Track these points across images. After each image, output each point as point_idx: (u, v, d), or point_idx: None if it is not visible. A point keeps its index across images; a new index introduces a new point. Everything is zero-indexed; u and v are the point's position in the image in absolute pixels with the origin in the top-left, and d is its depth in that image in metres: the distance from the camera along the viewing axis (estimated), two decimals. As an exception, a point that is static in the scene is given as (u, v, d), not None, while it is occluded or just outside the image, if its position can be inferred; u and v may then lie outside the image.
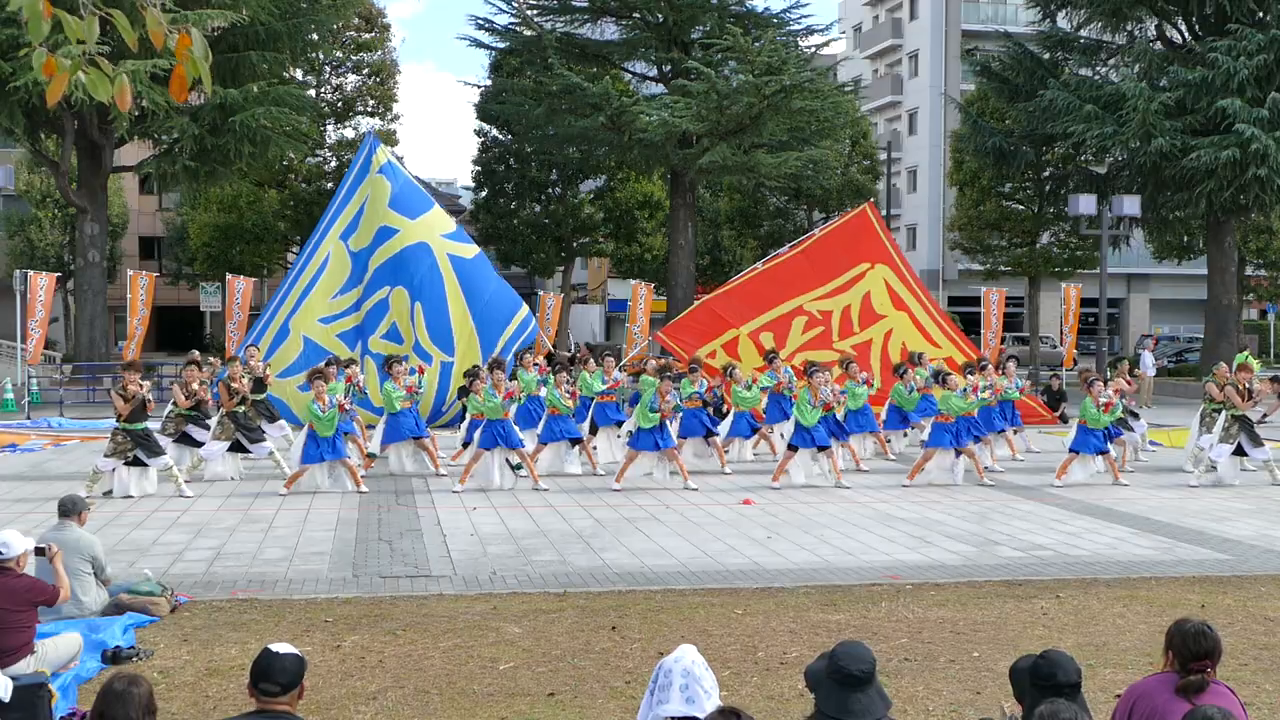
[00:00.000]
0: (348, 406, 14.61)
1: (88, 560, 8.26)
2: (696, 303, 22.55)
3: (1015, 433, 18.65)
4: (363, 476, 14.61)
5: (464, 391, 19.75)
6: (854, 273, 20.99)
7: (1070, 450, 15.69)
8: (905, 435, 18.81)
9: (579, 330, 41.19)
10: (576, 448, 16.07)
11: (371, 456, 16.06)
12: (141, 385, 13.72)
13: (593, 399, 17.47)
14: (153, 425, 14.10)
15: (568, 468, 15.95)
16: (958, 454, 15.28)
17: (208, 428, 15.14)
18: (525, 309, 21.43)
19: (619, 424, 17.60)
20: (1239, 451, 15.68)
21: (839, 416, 15.85)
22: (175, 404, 14.96)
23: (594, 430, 17.51)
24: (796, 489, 14.80)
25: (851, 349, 19.74)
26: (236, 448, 15.14)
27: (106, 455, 13.61)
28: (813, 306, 20.70)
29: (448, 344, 20.12)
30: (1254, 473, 15.99)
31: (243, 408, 15.12)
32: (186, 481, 14.51)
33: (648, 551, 10.88)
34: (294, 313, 20.01)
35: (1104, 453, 15.58)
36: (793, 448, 15.08)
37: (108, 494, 13.59)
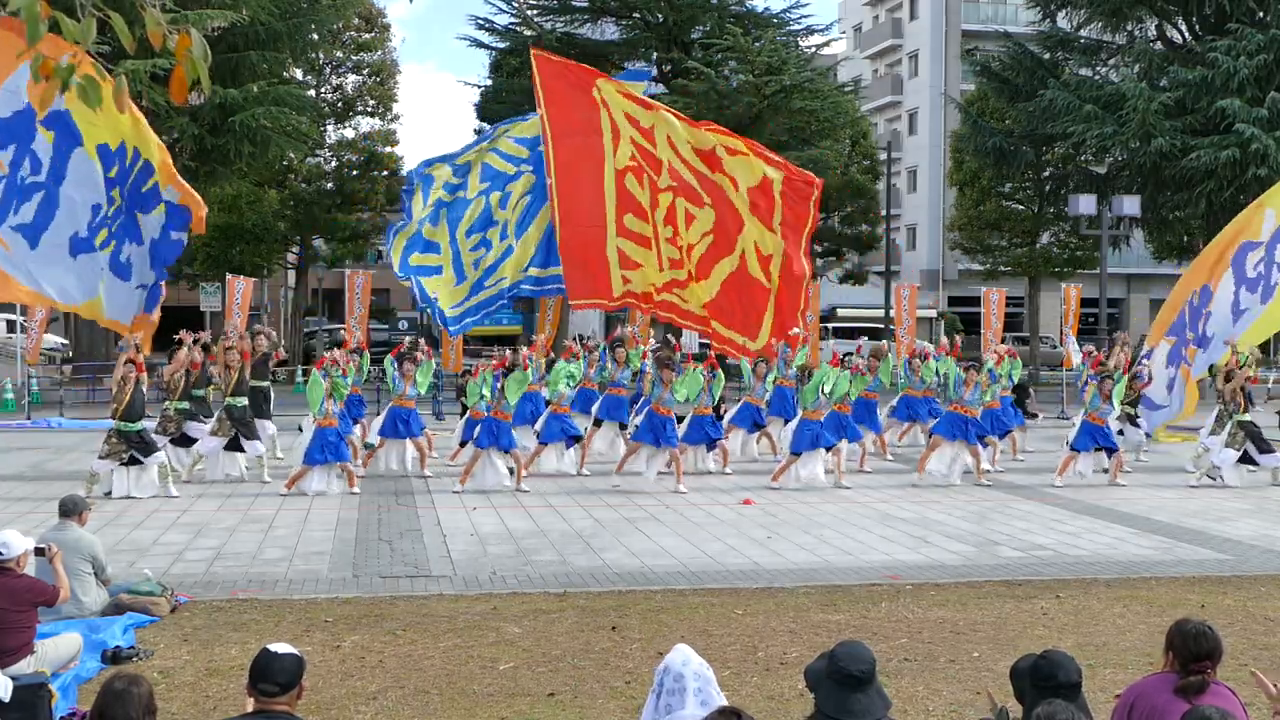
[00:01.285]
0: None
1: (88, 560, 8.26)
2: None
3: (1021, 431, 18.67)
4: (361, 476, 14.61)
5: (461, 390, 19.76)
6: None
7: (1071, 449, 15.69)
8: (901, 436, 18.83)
9: (579, 329, 41.17)
10: (573, 447, 16.07)
11: (369, 447, 16.08)
12: (143, 372, 13.85)
13: (602, 392, 17.53)
14: (149, 424, 14.11)
15: (565, 467, 15.95)
16: (975, 446, 15.38)
17: (205, 424, 15.17)
18: None
19: (623, 425, 17.59)
20: (1246, 460, 15.62)
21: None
22: (170, 400, 14.97)
23: (597, 424, 17.52)
24: (796, 489, 14.79)
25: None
26: (233, 445, 15.09)
27: (101, 457, 13.61)
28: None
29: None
30: (1255, 473, 15.98)
31: (241, 399, 15.08)
32: (185, 481, 14.53)
33: (648, 551, 10.88)
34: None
35: (1113, 450, 15.62)
36: (795, 454, 15.06)
37: (108, 494, 13.59)
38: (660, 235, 15.37)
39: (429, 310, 17.73)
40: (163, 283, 11.60)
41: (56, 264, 10.42)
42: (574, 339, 20.35)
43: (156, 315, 11.68)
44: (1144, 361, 17.87)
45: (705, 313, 15.39)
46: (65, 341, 38.94)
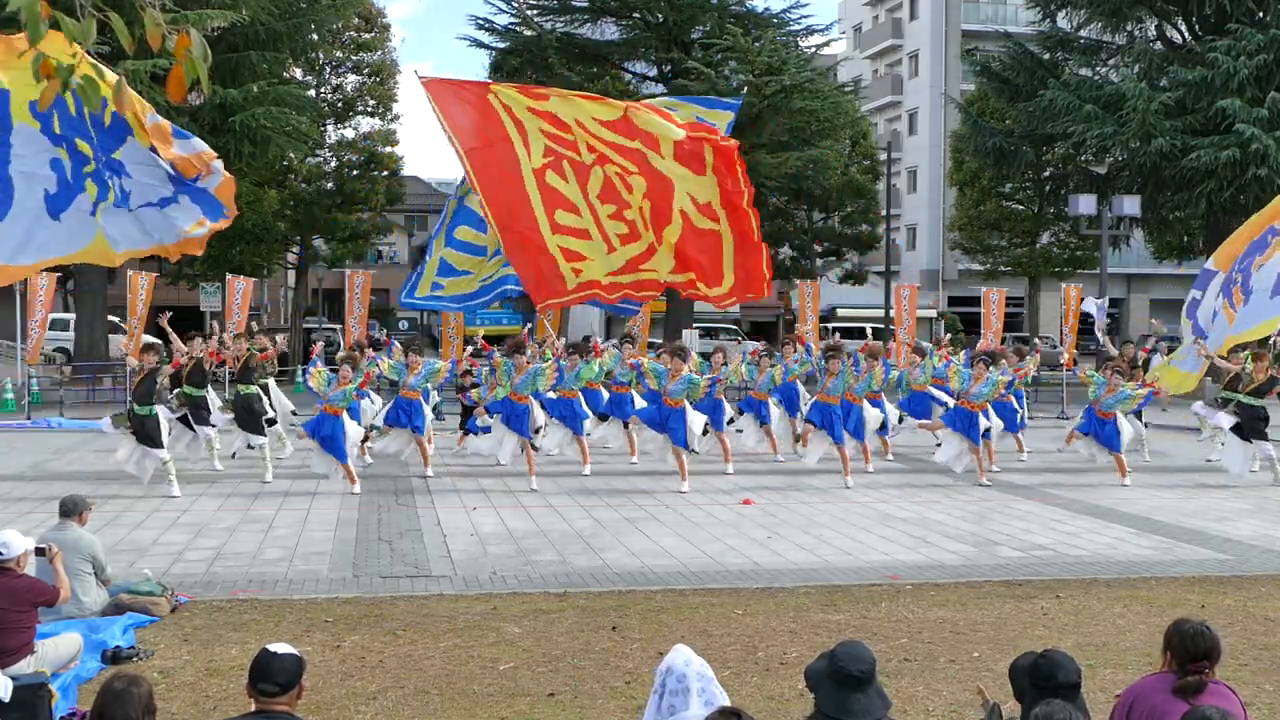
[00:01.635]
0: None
1: (88, 560, 8.26)
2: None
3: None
4: (362, 477, 14.63)
5: (462, 389, 19.76)
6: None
7: (1079, 431, 16.12)
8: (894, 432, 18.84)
9: (579, 329, 41.20)
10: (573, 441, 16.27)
11: (374, 429, 16.13)
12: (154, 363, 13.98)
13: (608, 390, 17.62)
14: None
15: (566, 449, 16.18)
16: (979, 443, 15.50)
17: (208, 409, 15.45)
18: None
19: (626, 424, 17.62)
20: (1241, 434, 15.58)
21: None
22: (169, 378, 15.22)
23: (603, 419, 17.58)
24: (797, 490, 14.80)
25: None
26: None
27: (113, 421, 13.87)
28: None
29: None
30: (1256, 473, 15.99)
31: (250, 386, 15.37)
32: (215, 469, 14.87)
33: (648, 551, 10.89)
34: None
35: (1115, 452, 15.66)
36: (810, 422, 15.28)
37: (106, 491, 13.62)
38: (600, 217, 14.96)
39: (446, 306, 17.92)
40: (211, 188, 10.85)
41: (38, 233, 9.94)
42: (583, 340, 20.42)
43: (223, 222, 11.07)
44: (1193, 293, 17.44)
45: (679, 275, 15.19)
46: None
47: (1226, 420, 15.71)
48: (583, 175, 14.83)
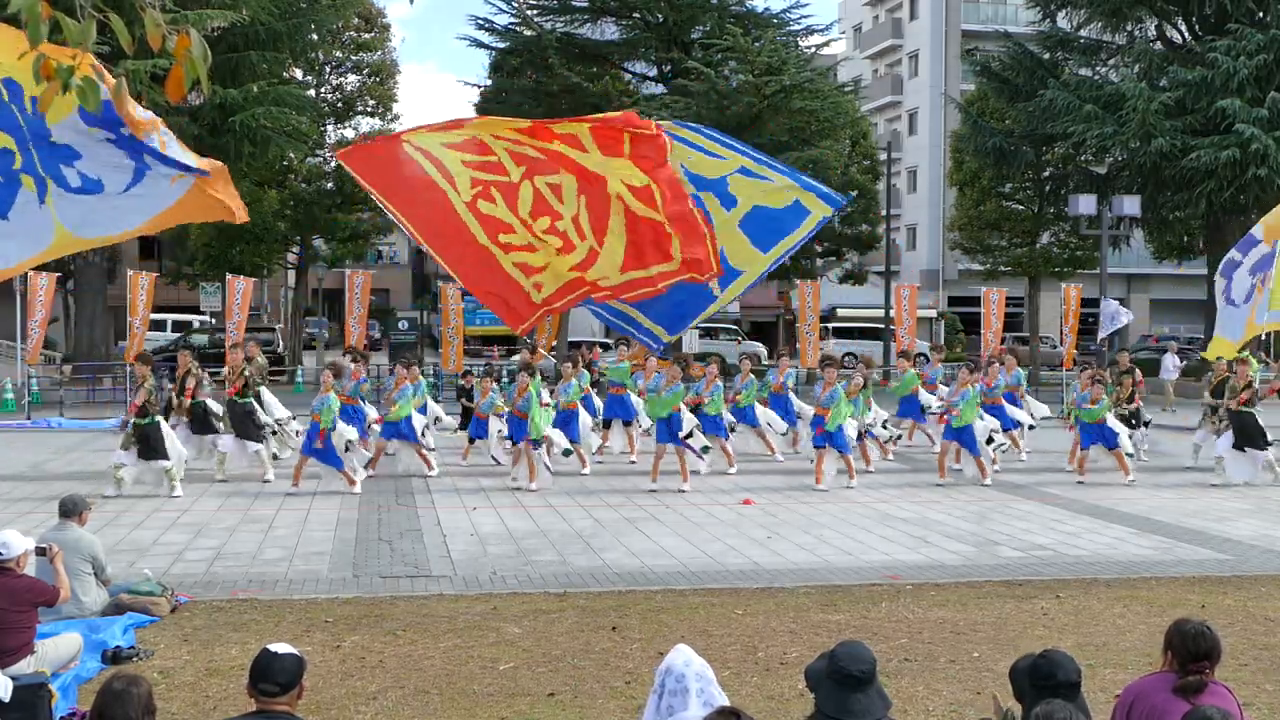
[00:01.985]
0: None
1: (88, 560, 8.26)
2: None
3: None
4: (370, 475, 14.68)
5: (461, 390, 19.77)
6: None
7: (1082, 449, 15.98)
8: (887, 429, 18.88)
9: (579, 329, 41.17)
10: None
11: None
12: (149, 378, 13.94)
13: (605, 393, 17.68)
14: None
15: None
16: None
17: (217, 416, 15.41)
18: None
19: (627, 423, 17.63)
20: (1239, 446, 15.61)
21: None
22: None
23: (607, 425, 17.59)
24: (797, 490, 14.80)
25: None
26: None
27: (123, 449, 13.78)
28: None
29: None
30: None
31: (246, 398, 15.32)
32: (221, 480, 14.95)
33: (648, 551, 10.89)
34: None
35: (1113, 448, 15.66)
36: (819, 448, 15.19)
37: (107, 497, 13.60)
38: (536, 233, 14.73)
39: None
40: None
41: None
42: (576, 347, 20.52)
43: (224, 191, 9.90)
44: (1233, 254, 17.21)
45: (635, 271, 15.11)
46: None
47: (1225, 446, 15.68)
48: (511, 197, 14.72)
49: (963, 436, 15.51)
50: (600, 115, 14.77)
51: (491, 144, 14.49)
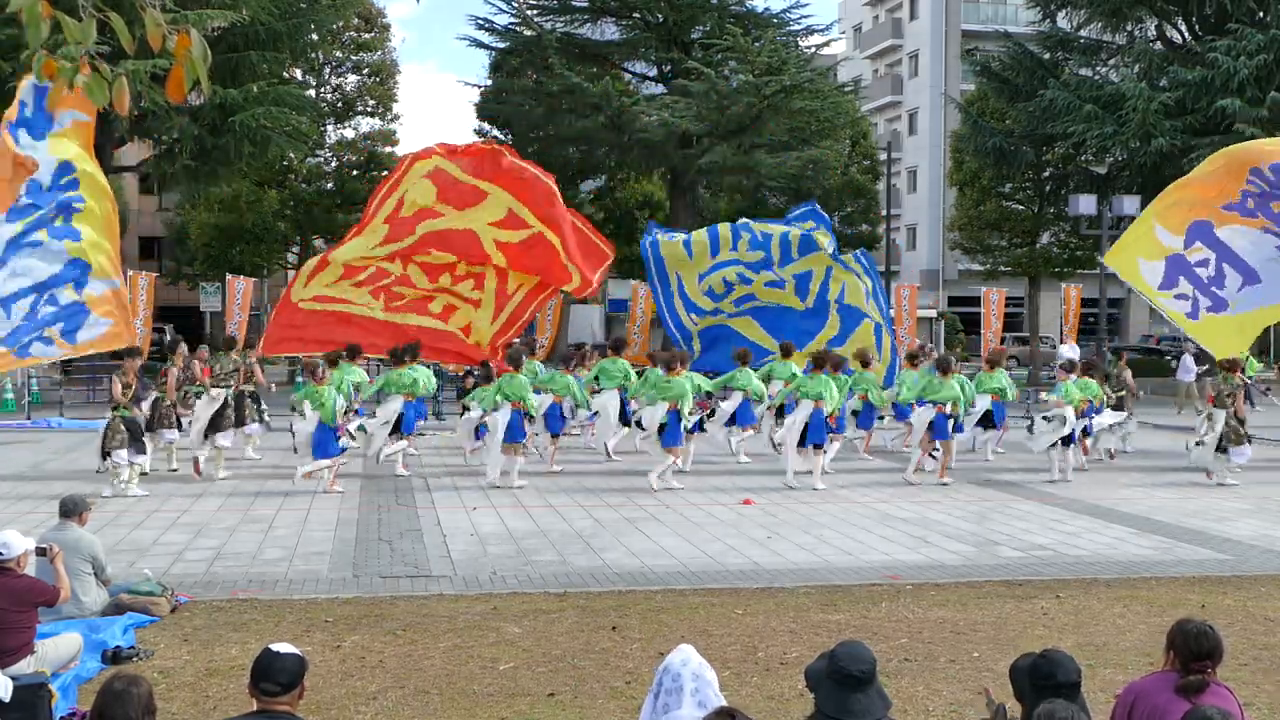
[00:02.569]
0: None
1: (88, 560, 8.26)
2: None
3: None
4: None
5: (463, 392, 19.76)
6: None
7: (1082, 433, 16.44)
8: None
9: (578, 330, 41.19)
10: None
11: (361, 429, 16.25)
12: (137, 376, 13.98)
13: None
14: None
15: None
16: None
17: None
18: None
19: (625, 423, 17.62)
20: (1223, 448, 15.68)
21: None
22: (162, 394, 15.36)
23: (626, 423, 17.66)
24: (797, 489, 14.80)
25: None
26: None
27: (118, 448, 13.70)
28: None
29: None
30: (1244, 469, 16.03)
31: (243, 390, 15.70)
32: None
33: (648, 551, 10.89)
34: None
35: (1087, 432, 16.38)
36: (817, 446, 15.21)
37: (106, 497, 13.60)
38: (446, 287, 16.94)
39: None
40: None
41: None
42: (575, 347, 20.57)
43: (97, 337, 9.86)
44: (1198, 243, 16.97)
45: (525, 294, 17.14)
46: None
47: (1242, 456, 15.81)
48: (406, 282, 16.70)
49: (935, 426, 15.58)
50: (427, 170, 16.20)
51: (359, 263, 16.37)
